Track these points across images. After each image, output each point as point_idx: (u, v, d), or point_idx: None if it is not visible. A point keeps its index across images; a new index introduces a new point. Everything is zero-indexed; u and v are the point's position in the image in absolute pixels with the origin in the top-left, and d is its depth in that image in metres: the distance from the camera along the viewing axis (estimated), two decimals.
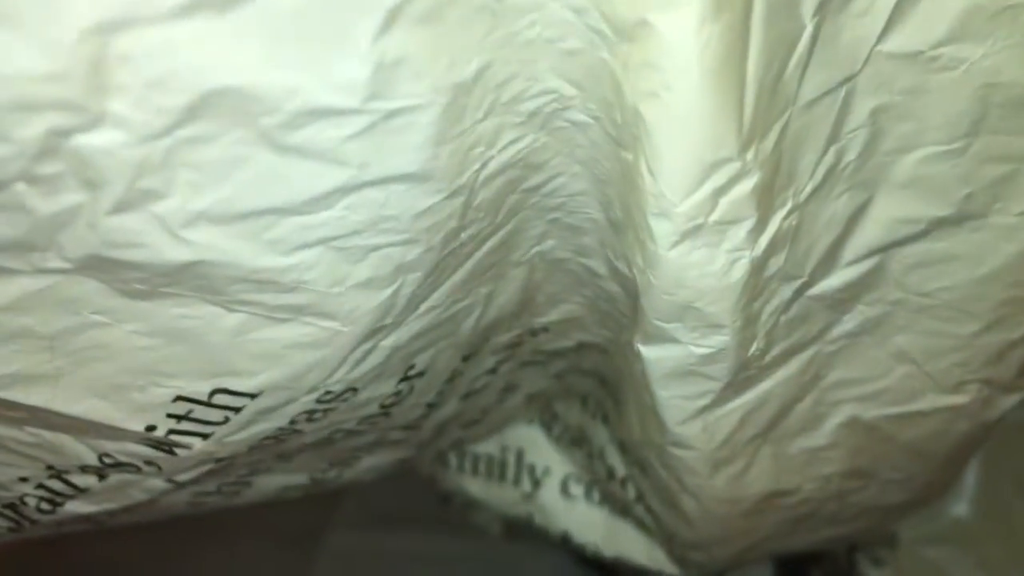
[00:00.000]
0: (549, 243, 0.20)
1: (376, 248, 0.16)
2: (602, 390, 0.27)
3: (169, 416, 0.18)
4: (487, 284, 0.20)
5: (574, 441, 0.31)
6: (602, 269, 0.20)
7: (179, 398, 0.17)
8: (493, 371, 0.25)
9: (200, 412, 0.18)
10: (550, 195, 0.18)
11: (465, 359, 0.22)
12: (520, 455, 0.32)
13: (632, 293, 0.19)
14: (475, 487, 0.33)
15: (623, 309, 0.21)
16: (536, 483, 0.32)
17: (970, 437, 0.24)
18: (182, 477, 0.20)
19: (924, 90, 0.17)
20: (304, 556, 0.34)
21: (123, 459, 0.19)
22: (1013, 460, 0.32)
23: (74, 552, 0.30)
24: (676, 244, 0.16)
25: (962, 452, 0.25)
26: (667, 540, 0.29)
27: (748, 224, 0.16)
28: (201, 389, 0.17)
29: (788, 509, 0.25)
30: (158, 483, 0.20)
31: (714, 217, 0.16)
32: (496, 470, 0.32)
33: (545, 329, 0.24)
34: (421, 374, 0.21)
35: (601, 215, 0.19)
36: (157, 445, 0.18)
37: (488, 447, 0.32)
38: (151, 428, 0.18)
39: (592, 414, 0.29)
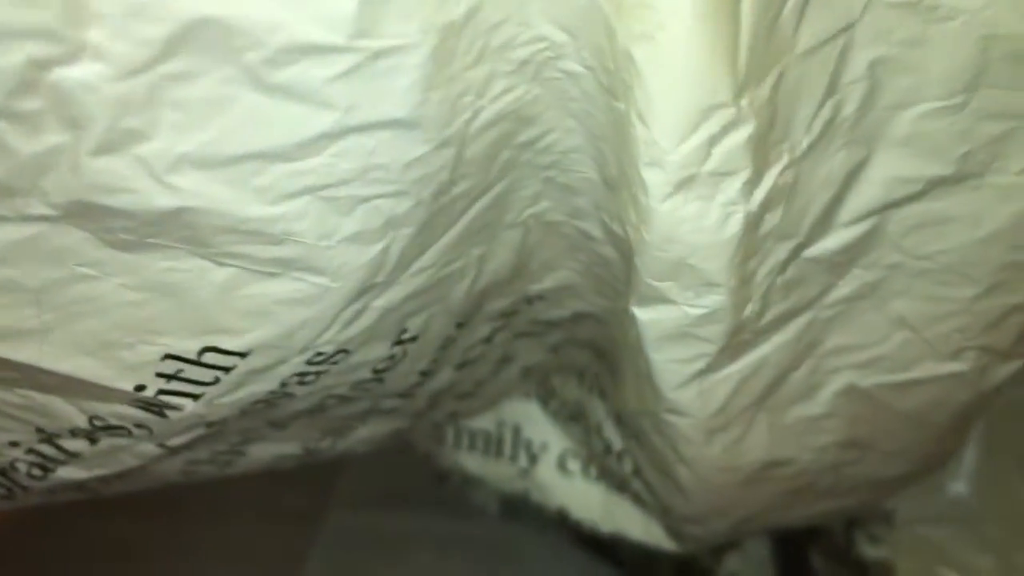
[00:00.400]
0: (543, 204, 0.20)
1: (365, 199, 0.15)
2: (599, 363, 0.27)
3: (158, 375, 0.17)
4: (480, 246, 0.20)
5: (571, 416, 0.31)
6: (597, 232, 0.20)
7: (168, 356, 0.17)
8: (488, 340, 0.24)
9: (190, 372, 0.17)
10: (543, 152, 0.18)
11: (459, 326, 0.22)
12: (517, 430, 0.32)
13: (627, 256, 0.19)
14: (472, 463, 0.33)
15: (618, 274, 0.21)
16: (533, 459, 0.32)
17: (968, 407, 0.24)
18: (174, 442, 0.20)
19: (923, 42, 0.17)
20: (302, 535, 0.34)
21: (113, 421, 0.19)
22: (1013, 438, 0.32)
23: (71, 529, 0.30)
24: (669, 196, 0.16)
25: (960, 423, 0.25)
26: (663, 513, 0.28)
27: (743, 176, 0.16)
28: (190, 347, 0.17)
29: (784, 480, 0.25)
30: (149, 448, 0.20)
31: (708, 167, 0.15)
32: (493, 446, 0.32)
33: (540, 297, 0.24)
34: (414, 339, 0.21)
35: (596, 174, 0.18)
36: (147, 406, 0.18)
37: (485, 422, 0.32)
38: (140, 388, 0.17)
39: (589, 388, 0.29)
